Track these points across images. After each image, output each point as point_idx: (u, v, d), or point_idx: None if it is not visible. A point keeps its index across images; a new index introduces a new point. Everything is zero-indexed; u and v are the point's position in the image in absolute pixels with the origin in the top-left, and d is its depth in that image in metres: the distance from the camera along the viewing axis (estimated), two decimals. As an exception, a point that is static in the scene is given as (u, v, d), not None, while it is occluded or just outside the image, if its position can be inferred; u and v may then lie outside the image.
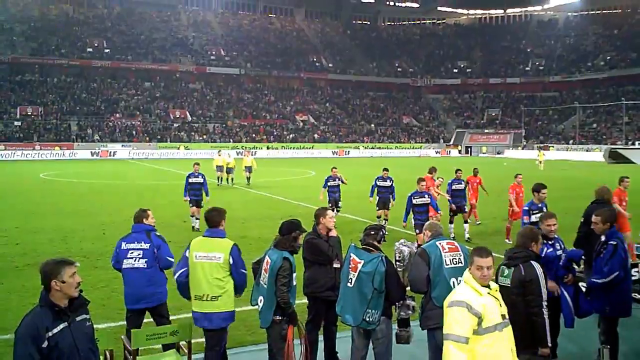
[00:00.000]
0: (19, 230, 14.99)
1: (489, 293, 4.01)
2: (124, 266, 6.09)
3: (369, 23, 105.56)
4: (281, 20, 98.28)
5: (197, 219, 15.06)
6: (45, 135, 59.53)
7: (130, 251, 6.08)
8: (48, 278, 3.69)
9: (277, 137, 70.47)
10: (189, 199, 15.33)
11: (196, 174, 15.53)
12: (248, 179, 28.00)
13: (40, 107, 63.72)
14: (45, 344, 3.58)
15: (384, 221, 14.54)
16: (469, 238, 13.76)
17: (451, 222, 14.16)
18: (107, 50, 75.11)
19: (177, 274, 5.68)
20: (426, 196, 12.22)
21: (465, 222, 14.33)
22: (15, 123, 60.09)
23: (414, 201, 12.05)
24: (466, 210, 14.60)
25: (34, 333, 3.57)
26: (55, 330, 3.63)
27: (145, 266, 6.06)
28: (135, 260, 6.06)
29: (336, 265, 5.95)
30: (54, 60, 70.39)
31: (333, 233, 6.08)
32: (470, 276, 4.09)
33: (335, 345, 6.21)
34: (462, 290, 4.06)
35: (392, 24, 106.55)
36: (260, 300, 5.37)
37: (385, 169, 15.11)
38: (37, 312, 3.68)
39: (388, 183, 14.85)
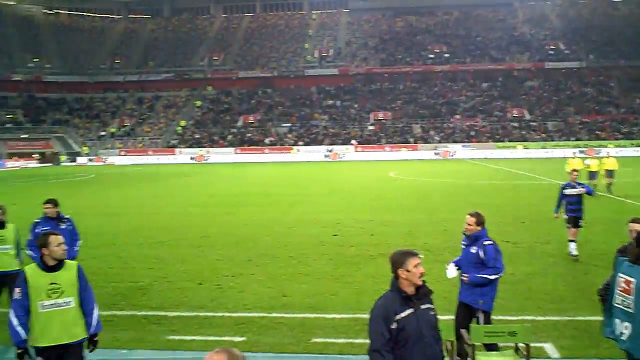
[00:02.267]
0: (373, 223, 16.65)
1: None
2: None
3: None
4: (628, 5, 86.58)
5: (573, 241, 11.52)
6: (394, 137, 65.24)
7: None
8: (396, 267, 4.09)
9: (626, 133, 62.29)
10: (563, 216, 12.13)
11: (573, 183, 12.15)
12: (609, 184, 23.72)
13: (389, 112, 70.22)
14: (394, 325, 3.94)
15: None
16: None
17: None
18: (446, 55, 78.06)
19: None
20: None
21: None
22: (370, 127, 67.54)
23: None
24: None
25: (385, 314, 3.97)
26: (403, 314, 3.97)
27: None
28: None
29: None
30: (400, 68, 76.69)
31: None
32: None
33: None
34: None
35: None
36: (626, 328, 4.55)
37: None
38: (388, 297, 4.08)
39: None
